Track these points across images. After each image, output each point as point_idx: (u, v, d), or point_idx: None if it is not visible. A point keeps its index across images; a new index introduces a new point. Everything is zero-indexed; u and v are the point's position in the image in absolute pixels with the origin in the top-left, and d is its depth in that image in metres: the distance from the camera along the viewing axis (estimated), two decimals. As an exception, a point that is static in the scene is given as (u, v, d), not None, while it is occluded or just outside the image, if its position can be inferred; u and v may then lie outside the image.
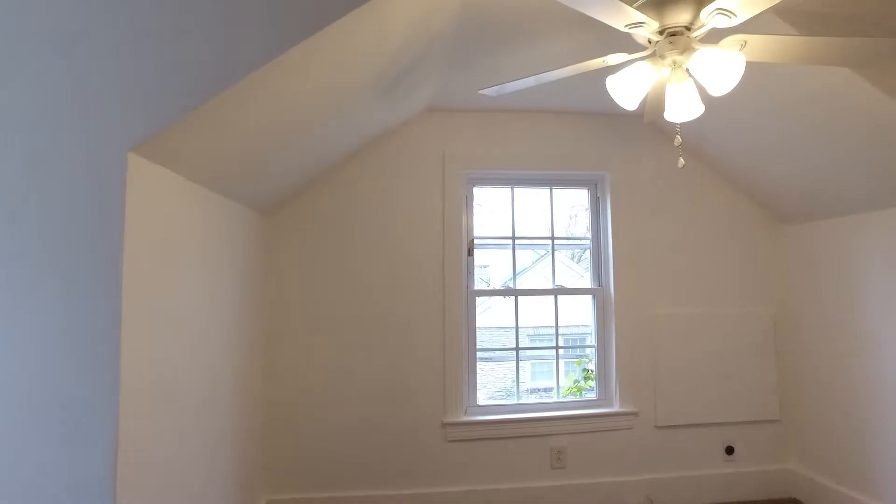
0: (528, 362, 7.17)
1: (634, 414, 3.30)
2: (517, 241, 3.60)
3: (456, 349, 3.21)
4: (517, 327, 3.60)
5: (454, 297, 3.24)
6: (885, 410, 2.79)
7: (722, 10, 1.55)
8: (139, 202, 1.64)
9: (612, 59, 1.89)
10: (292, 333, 3.12)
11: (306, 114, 2.27)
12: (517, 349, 3.58)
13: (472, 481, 3.15)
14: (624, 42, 1.98)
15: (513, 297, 3.56)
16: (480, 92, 2.20)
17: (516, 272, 3.79)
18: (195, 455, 2.11)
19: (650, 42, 1.81)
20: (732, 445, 3.35)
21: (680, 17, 1.69)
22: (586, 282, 3.57)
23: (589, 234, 3.59)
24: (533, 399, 3.66)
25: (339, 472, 3.08)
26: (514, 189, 3.52)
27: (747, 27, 1.95)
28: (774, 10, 2.14)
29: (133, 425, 1.62)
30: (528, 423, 3.21)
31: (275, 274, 3.13)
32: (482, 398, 3.57)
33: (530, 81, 2.04)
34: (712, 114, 2.94)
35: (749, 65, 2.22)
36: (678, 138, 1.97)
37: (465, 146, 3.34)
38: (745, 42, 1.73)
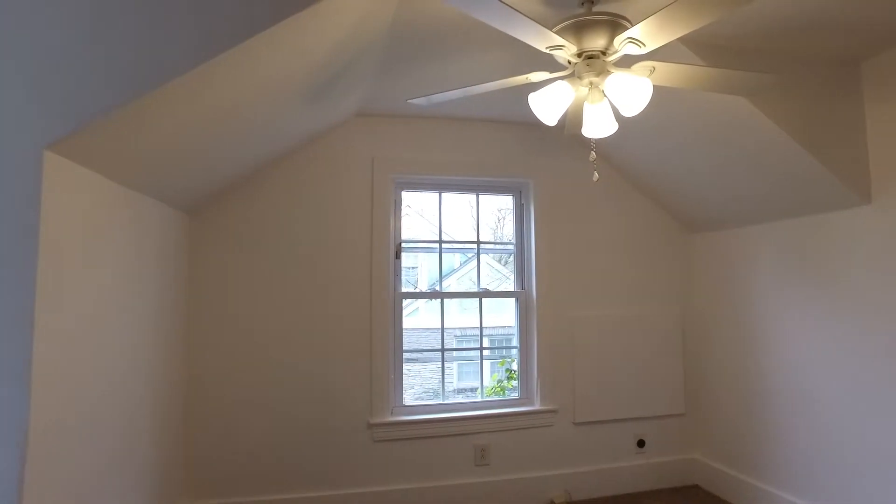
0: (455, 363, 7.30)
1: (554, 411, 3.46)
2: (444, 245, 3.69)
3: (383, 350, 3.25)
4: (443, 328, 3.69)
5: (381, 299, 3.28)
6: (774, 403, 3.10)
7: (633, 40, 1.70)
8: (56, 201, 1.58)
9: (535, 76, 2.00)
10: (216, 335, 3.05)
11: (233, 116, 2.25)
12: (442, 350, 3.66)
13: (397, 481, 3.20)
14: (546, 61, 2.11)
15: (439, 300, 3.65)
16: (410, 102, 2.26)
17: (443, 275, 3.88)
18: (110, 461, 2.04)
19: (569, 63, 1.94)
20: (643, 439, 3.59)
21: (596, 42, 1.82)
22: (512, 284, 3.71)
23: (513, 239, 3.73)
24: (459, 399, 3.76)
25: (264, 477, 3.04)
26: (442, 194, 3.60)
27: (656, 55, 2.12)
28: (681, 39, 2.34)
29: (44, 429, 1.56)
30: (452, 422, 3.30)
31: (199, 274, 3.05)
32: (409, 399, 3.63)
33: (457, 94, 2.12)
34: (627, 130, 3.16)
35: (657, 88, 2.42)
36: (593, 154, 2.11)
37: (395, 151, 3.39)
38: (654, 68, 1.89)
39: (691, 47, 2.36)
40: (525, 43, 1.78)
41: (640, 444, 3.58)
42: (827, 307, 2.78)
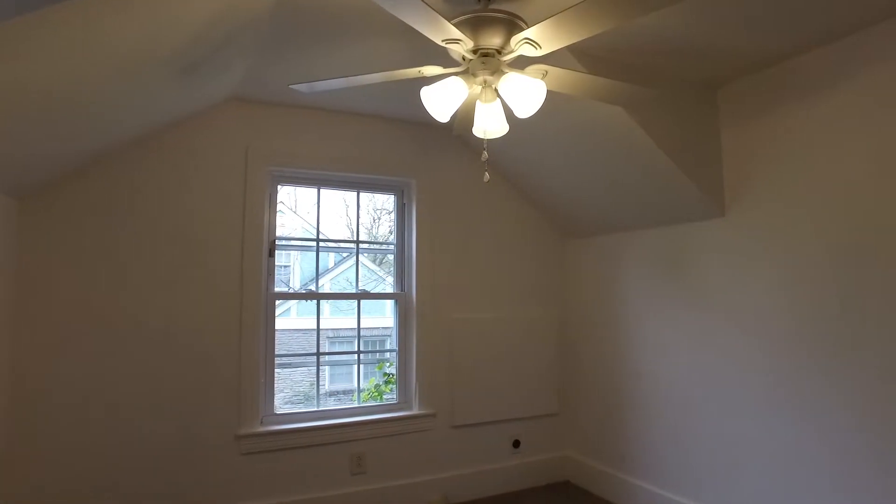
0: (327, 366, 7.04)
1: (433, 415, 3.42)
2: (321, 244, 3.50)
3: (252, 355, 3.00)
4: (318, 330, 3.50)
5: (252, 299, 3.02)
6: (639, 400, 3.31)
7: (529, 41, 1.68)
8: None
9: (428, 70, 1.93)
10: (53, 338, 2.60)
11: (77, 86, 1.92)
12: (318, 353, 3.47)
13: (269, 495, 2.96)
14: (440, 57, 2.04)
15: (314, 301, 3.45)
16: (291, 87, 2.08)
17: (318, 274, 3.69)
18: None
19: (464, 59, 1.89)
20: (519, 439, 3.67)
21: (493, 40, 1.79)
22: (389, 286, 3.61)
23: (393, 239, 3.64)
24: (332, 402, 3.59)
25: (114, 500, 2.65)
26: (321, 190, 3.42)
27: (545, 61, 2.14)
28: (571, 50, 2.41)
29: None
30: (327, 430, 3.12)
31: (31, 268, 2.59)
32: (279, 404, 3.39)
33: (342, 83, 1.99)
34: (511, 135, 3.20)
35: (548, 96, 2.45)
36: (485, 154, 2.08)
37: (272, 142, 3.14)
38: (546, 72, 1.90)
39: (574, 55, 2.43)
40: (419, 36, 1.70)
41: (516, 444, 3.66)
42: (687, 310, 3.02)
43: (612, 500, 3.39)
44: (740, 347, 2.72)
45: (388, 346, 3.71)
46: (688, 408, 2.98)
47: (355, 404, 3.43)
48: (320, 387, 3.64)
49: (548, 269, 3.92)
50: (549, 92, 1.86)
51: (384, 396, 3.83)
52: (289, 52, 2.51)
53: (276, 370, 3.21)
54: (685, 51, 2.48)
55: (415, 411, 3.39)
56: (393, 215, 3.69)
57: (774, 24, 2.23)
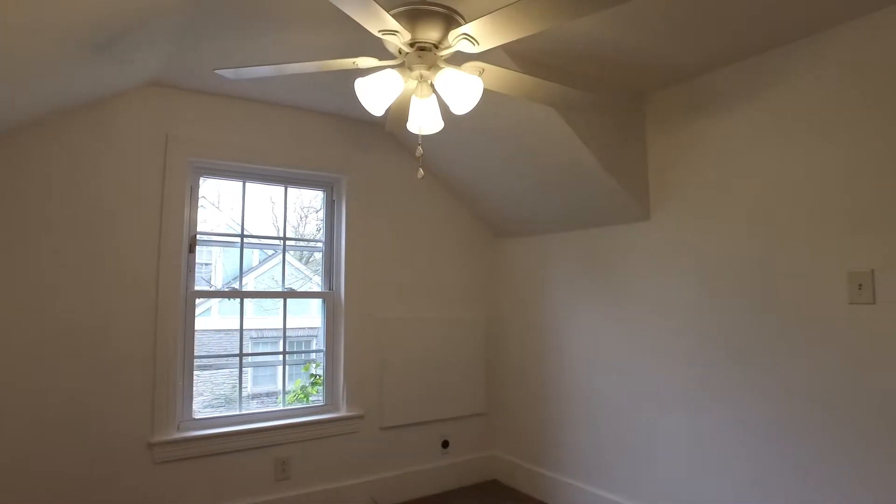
0: (252, 367, 6.77)
1: (361, 417, 3.35)
2: (246, 240, 3.35)
3: (169, 356, 2.81)
4: (241, 330, 3.34)
5: (170, 298, 2.84)
6: (565, 397, 3.38)
7: (467, 36, 1.67)
8: None
9: (363, 62, 1.87)
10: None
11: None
12: (241, 355, 3.32)
13: (181, 507, 2.78)
14: (375, 49, 2.00)
15: (238, 299, 3.29)
16: (216, 72, 1.96)
17: (243, 272, 3.52)
18: None
19: (400, 52, 1.85)
20: (448, 439, 3.66)
21: (430, 33, 1.76)
22: (315, 285, 3.51)
23: (322, 237, 3.54)
24: (256, 405, 3.43)
25: (-5, 522, 2.40)
26: (247, 184, 3.27)
27: (484, 59, 2.14)
28: (506, 50, 2.42)
29: None
30: (249, 434, 2.98)
31: None
32: (199, 408, 3.21)
33: (270, 70, 1.90)
34: (444, 134, 3.19)
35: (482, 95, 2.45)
36: (420, 149, 2.05)
37: (195, 131, 2.97)
38: (483, 70, 1.89)
39: (509, 56, 2.45)
40: (355, 25, 1.64)
41: (445, 444, 3.65)
42: (612, 310, 3.12)
43: (538, 498, 3.44)
44: (662, 346, 2.84)
45: (314, 347, 3.60)
46: (611, 404, 3.07)
47: (280, 407, 3.30)
48: (243, 389, 3.48)
49: (478, 268, 3.94)
50: (484, 90, 1.86)
51: (310, 398, 3.71)
52: (215, 36, 2.37)
53: (195, 372, 3.04)
54: (615, 59, 2.55)
55: (342, 413, 3.31)
56: (322, 212, 3.59)
57: (696, 39, 2.34)
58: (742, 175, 2.54)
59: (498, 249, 4.00)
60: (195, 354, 3.02)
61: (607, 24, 2.23)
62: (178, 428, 2.86)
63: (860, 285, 2.13)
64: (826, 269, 2.23)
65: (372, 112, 1.88)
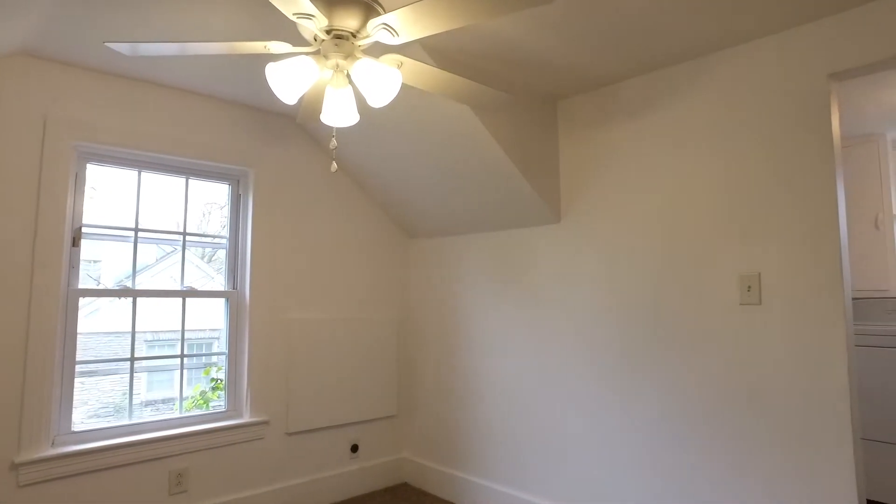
0: (146, 372, 6.26)
1: (266, 423, 3.18)
2: (142, 235, 3.08)
3: (44, 362, 2.52)
4: (133, 333, 3.07)
5: (47, 296, 2.55)
6: (476, 398, 3.39)
7: (387, 26, 1.61)
8: None
9: (275, 46, 1.76)
10: None
11: None
12: (132, 359, 3.04)
13: (57, 530, 2.50)
14: (289, 34, 1.89)
15: (130, 299, 3.02)
16: (108, 45, 1.77)
17: (136, 270, 3.24)
18: None
19: (316, 39, 1.76)
20: (357, 443, 3.57)
21: (348, 21, 1.68)
22: (218, 284, 3.30)
23: (226, 233, 3.33)
24: (149, 414, 3.16)
25: None
26: (143, 173, 3.01)
27: (402, 53, 2.09)
28: (424, 46, 2.38)
29: None
30: (140, 446, 2.74)
31: None
32: (81, 419, 2.92)
33: (173, 48, 1.75)
34: (358, 130, 3.11)
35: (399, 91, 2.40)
36: (334, 141, 1.97)
37: (81, 112, 2.69)
38: (402, 63, 1.84)
39: (427, 51, 2.41)
40: (269, 7, 1.54)
41: (354, 449, 3.55)
42: (523, 311, 3.16)
43: (448, 500, 3.43)
44: (570, 347, 2.91)
45: (216, 349, 3.38)
46: (522, 404, 3.11)
47: (177, 415, 3.06)
48: (135, 396, 3.20)
49: (391, 269, 3.88)
50: (401, 85, 1.81)
51: (211, 404, 3.48)
52: (107, 2, 2.14)
53: (77, 380, 2.75)
54: (531, 63, 2.59)
55: (245, 419, 3.12)
56: (227, 207, 3.38)
57: (608, 50, 2.42)
58: (645, 183, 2.66)
59: (411, 250, 3.96)
60: (77, 360, 2.74)
61: (526, 27, 2.25)
62: (53, 443, 2.57)
63: (749, 287, 2.28)
64: (720, 273, 2.38)
65: (284, 100, 1.78)
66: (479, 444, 3.33)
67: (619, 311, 2.72)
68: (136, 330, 3.07)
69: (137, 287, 3.05)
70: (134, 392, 3.18)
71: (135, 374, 3.15)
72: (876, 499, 3.13)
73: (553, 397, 2.97)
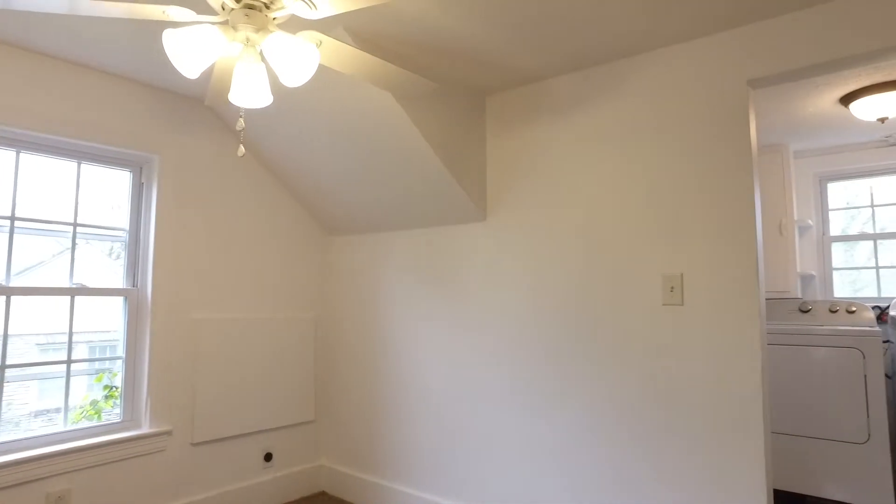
0: (25, 380, 5.66)
1: (167, 433, 2.90)
2: (19, 225, 2.72)
3: None
4: (5, 336, 2.71)
5: None
6: (398, 401, 3.26)
7: (303, -4, 1.46)
8: None
9: (175, 12, 1.56)
10: None
11: None
12: (2, 366, 2.68)
13: None
14: (196, 2, 1.69)
15: (4, 297, 2.66)
16: (-31, -3, 1.51)
17: (11, 264, 2.87)
18: None
19: (224, 8, 1.58)
20: (271, 452, 3.34)
21: (259, -13, 1.52)
22: (117, 280, 2.99)
23: (126, 225, 3.02)
24: (37, 427, 2.80)
25: None
26: (22, 154, 2.66)
27: (323, 31, 1.93)
28: (348, 29, 2.22)
29: None
30: (11, 467, 2.40)
31: None
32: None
33: (56, 4, 1.51)
34: (272, 117, 2.90)
35: (313, 79, 2.24)
36: (241, 122, 1.78)
37: (-59, 79, 2.32)
38: (321, 42, 1.69)
39: (349, 33, 2.26)
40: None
41: (268, 457, 3.32)
42: (447, 311, 3.07)
43: (368, 507, 3.29)
44: (493, 348, 2.85)
45: (111, 354, 3.06)
46: (446, 407, 3.02)
47: (60, 428, 2.73)
48: (23, 407, 2.84)
49: (309, 266, 3.68)
50: (320, 67, 1.66)
51: (103, 415, 3.13)
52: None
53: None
54: (460, 53, 2.49)
55: (144, 430, 2.84)
56: (128, 196, 3.06)
57: (538, 44, 2.37)
58: (571, 182, 2.64)
59: (330, 247, 3.77)
60: (-64, 367, 2.37)
61: (456, 15, 2.14)
62: None
63: (672, 288, 2.30)
64: (644, 273, 2.39)
65: (184, 73, 1.58)
66: (401, 450, 3.21)
67: (545, 311, 2.68)
68: (19, 333, 2.72)
69: (12, 285, 2.70)
70: (21, 402, 2.82)
71: (24, 383, 2.80)
72: (777, 488, 3.29)
73: (477, 400, 2.89)
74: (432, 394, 3.08)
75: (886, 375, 3.09)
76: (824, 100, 3.10)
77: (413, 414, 3.17)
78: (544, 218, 2.72)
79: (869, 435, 3.05)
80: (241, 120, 1.76)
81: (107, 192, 3.03)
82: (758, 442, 2.08)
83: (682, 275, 2.29)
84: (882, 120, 3.06)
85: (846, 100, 3.06)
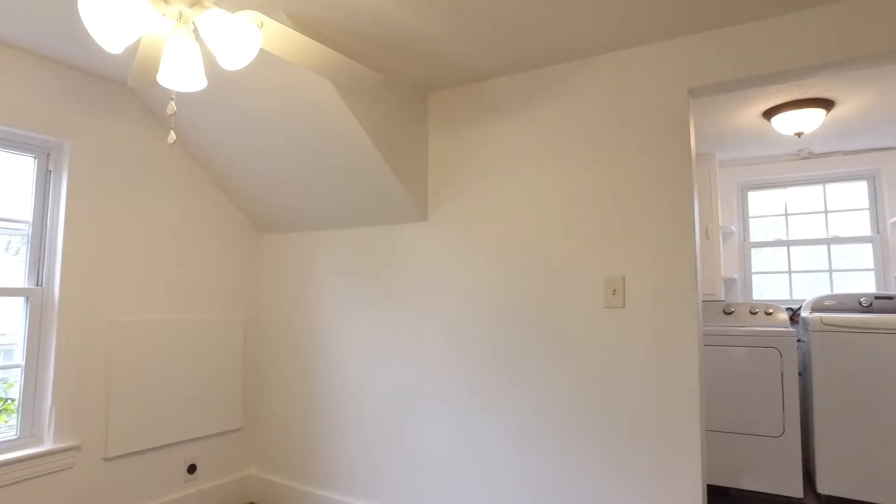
0: None
1: (76, 448, 2.63)
2: None
3: None
4: None
5: None
6: (333, 406, 3.13)
7: (246, -31, 1.33)
8: None
9: (96, -21, 1.39)
10: None
11: None
12: None
13: None
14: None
15: None
16: None
17: None
18: None
19: (152, -22, 1.42)
20: (195, 463, 3.11)
21: (195, -43, 1.38)
22: (18, 278, 2.69)
23: (29, 217, 2.72)
24: None
25: None
26: None
27: (265, 13, 1.81)
28: (290, 14, 2.09)
29: None
30: None
31: None
32: None
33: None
34: (203, 105, 2.71)
35: (250, 66, 2.09)
36: (172, 105, 1.62)
37: None
38: (263, 24, 1.57)
39: (291, 20, 2.13)
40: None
41: (192, 469, 3.09)
42: (385, 312, 2.97)
43: (299, 518, 3.13)
44: (432, 351, 2.79)
45: (6, 361, 2.74)
46: (382, 411, 2.93)
47: (-54, 445, 2.41)
48: None
49: (238, 265, 3.47)
50: (259, 52, 1.54)
51: (-1, 429, 2.79)
52: None
53: None
54: (404, 48, 2.41)
55: (47, 447, 2.56)
56: (32, 185, 2.76)
57: (485, 41, 2.33)
58: (515, 183, 2.62)
59: (262, 245, 3.58)
60: None
61: (408, 6, 2.06)
62: None
63: (614, 290, 2.33)
64: (587, 276, 2.40)
65: (105, 47, 1.41)
66: (335, 455, 3.08)
67: (485, 313, 2.65)
68: None
69: None
70: None
71: None
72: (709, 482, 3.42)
73: (414, 403, 2.82)
74: (368, 400, 2.98)
75: (798, 373, 3.29)
76: (749, 113, 3.26)
77: (348, 419, 3.05)
78: (486, 218, 2.69)
79: (784, 428, 3.24)
80: (173, 103, 1.60)
81: (4, 179, 2.72)
82: (694, 439, 2.13)
83: (623, 277, 2.32)
84: (798, 134, 3.25)
85: (768, 114, 3.23)
